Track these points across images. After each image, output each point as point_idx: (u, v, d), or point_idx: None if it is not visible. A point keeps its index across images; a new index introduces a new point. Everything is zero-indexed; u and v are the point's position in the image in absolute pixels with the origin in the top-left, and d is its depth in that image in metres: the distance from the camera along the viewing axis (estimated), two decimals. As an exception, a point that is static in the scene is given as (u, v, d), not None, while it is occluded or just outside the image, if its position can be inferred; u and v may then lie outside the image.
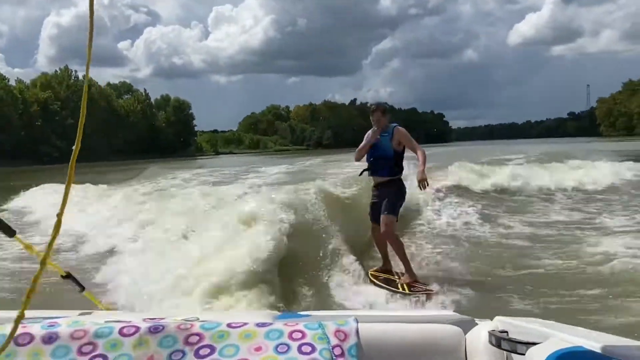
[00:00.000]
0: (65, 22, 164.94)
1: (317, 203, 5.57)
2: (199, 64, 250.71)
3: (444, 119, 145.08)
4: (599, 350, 0.90)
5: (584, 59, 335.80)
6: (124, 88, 76.94)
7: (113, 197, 10.48)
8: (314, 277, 4.56)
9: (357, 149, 4.93)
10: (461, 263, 5.20)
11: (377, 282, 4.70)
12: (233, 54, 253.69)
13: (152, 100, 76.94)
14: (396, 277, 4.80)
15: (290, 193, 5.68)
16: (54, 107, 61.34)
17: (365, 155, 4.89)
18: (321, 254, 4.82)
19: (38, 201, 11.39)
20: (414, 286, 4.52)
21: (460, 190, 9.37)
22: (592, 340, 0.94)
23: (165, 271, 4.23)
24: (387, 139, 4.74)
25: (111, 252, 6.25)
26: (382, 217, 4.70)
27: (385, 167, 4.78)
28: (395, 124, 4.83)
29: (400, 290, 4.48)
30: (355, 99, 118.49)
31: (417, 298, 4.28)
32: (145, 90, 77.58)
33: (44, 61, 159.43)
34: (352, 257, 4.89)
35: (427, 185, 4.64)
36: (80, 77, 66.96)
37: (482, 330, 1.14)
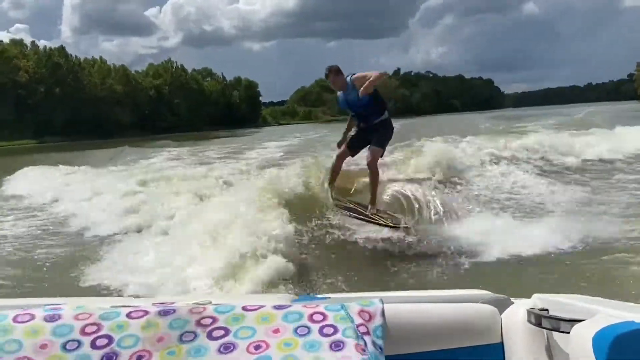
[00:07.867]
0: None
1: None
2: (229, 29, 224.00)
3: (494, 84, 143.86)
4: None
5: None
6: (205, 72, 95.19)
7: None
8: (334, 259, 4.58)
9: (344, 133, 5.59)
10: (496, 237, 4.81)
11: (343, 207, 5.26)
12: (266, 18, 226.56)
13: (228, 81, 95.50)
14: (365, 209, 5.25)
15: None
16: (164, 91, 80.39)
17: (350, 115, 5.42)
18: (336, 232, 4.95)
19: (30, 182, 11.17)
20: (380, 216, 5.15)
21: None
22: None
23: (172, 255, 4.36)
24: (355, 94, 5.08)
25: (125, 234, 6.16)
26: (371, 148, 5.27)
27: (372, 113, 5.29)
28: (349, 75, 5.17)
29: (371, 218, 5.05)
30: (399, 69, 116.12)
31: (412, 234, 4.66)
32: (222, 74, 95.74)
33: (68, 31, 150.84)
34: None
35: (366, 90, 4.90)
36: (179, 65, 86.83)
37: (519, 308, 1.06)
